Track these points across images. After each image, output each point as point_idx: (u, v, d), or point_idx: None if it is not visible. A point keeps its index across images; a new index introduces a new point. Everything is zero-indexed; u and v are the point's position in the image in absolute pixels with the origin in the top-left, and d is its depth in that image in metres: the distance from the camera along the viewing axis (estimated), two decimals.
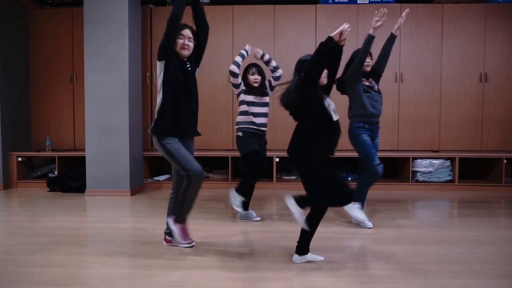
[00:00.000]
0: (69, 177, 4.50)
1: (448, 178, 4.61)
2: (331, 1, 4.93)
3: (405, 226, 3.09)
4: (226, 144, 5.03)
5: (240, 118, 3.26)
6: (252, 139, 3.18)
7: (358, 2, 4.90)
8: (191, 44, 2.51)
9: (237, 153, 4.75)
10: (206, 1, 5.01)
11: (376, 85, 3.20)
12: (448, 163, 4.63)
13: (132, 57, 4.28)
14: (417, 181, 4.62)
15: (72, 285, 1.99)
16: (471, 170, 5.03)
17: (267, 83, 3.36)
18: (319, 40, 4.80)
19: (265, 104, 3.29)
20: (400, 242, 2.70)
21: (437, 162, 4.58)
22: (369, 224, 3.00)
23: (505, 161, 4.54)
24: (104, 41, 4.16)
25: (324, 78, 2.29)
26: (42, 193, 4.39)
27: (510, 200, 4.13)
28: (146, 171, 4.84)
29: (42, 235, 2.80)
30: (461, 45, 4.84)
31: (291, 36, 4.94)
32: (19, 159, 4.73)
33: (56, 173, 4.70)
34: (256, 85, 3.25)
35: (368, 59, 3.14)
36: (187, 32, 2.49)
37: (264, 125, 3.28)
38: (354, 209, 2.98)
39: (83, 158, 4.36)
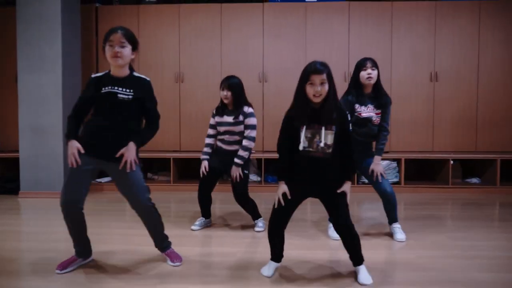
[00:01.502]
0: (7, 179, 4.42)
1: (395, 179, 4.50)
2: (279, 0, 4.83)
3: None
4: (173, 145, 4.94)
5: None
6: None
7: (306, 0, 4.80)
8: (124, 52, 2.07)
9: (181, 155, 4.72)
10: (152, 0, 4.93)
11: (375, 117, 2.67)
12: (394, 164, 4.53)
13: (67, 57, 4.18)
14: (363, 183, 4.51)
15: None
16: (422, 172, 4.93)
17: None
18: (267, 39, 4.83)
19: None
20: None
21: (384, 163, 4.47)
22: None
23: (452, 162, 4.43)
24: (36, 41, 4.08)
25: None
26: None
27: (457, 202, 4.03)
28: None
29: None
30: (411, 43, 4.74)
31: (239, 35, 4.85)
32: None
33: None
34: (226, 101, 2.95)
35: (369, 69, 2.59)
36: (117, 36, 2.06)
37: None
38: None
39: None
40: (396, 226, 2.83)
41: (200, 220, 3.08)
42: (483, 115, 4.71)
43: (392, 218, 2.84)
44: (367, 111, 2.65)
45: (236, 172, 2.88)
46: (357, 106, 2.64)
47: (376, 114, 2.67)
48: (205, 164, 2.98)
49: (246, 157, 2.91)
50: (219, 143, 3.02)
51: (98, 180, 4.77)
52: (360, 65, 2.62)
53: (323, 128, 1.95)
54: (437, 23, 4.70)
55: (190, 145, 4.90)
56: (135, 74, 2.20)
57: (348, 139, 2.03)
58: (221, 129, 2.98)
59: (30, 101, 4.12)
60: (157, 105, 2.26)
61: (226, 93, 2.91)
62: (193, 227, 3.03)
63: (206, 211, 3.08)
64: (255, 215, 3.07)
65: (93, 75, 2.19)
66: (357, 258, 2.08)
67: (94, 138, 2.12)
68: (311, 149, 1.96)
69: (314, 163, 1.98)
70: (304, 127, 1.96)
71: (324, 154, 1.96)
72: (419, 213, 3.56)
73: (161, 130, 4.82)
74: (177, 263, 2.28)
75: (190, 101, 4.89)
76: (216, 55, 4.88)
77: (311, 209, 3.71)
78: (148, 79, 2.22)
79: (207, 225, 3.13)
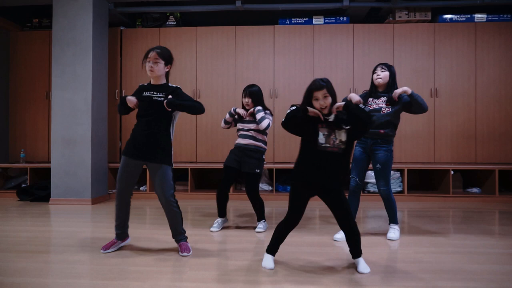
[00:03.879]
0: (38, 187, 4.80)
1: (399, 189, 4.77)
2: (288, 22, 5.24)
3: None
4: (190, 156, 5.30)
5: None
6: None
7: (313, 23, 5.20)
8: (156, 67, 2.59)
9: (198, 165, 5.07)
10: (172, 23, 5.39)
11: (384, 107, 2.97)
12: (398, 174, 4.81)
13: (96, 76, 4.62)
14: (368, 192, 4.79)
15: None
16: (425, 182, 5.19)
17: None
18: (277, 58, 5.23)
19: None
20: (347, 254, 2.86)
21: None
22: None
23: (452, 172, 4.69)
24: (70, 61, 4.53)
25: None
26: (12, 203, 4.69)
27: (457, 210, 4.28)
28: (112, 182, 5.13)
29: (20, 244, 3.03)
30: (412, 62, 5.09)
31: (251, 54, 5.26)
32: None
33: (28, 183, 5.02)
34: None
35: (379, 71, 3.02)
36: (152, 55, 2.60)
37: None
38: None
39: None
40: (393, 227, 3.10)
41: (217, 222, 3.40)
42: (481, 128, 4.99)
43: (391, 218, 3.11)
44: (377, 103, 3.01)
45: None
46: (370, 100, 3.05)
47: (386, 105, 2.97)
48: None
49: (260, 117, 3.22)
50: (237, 141, 3.38)
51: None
52: (373, 70, 3.10)
53: (336, 130, 2.25)
54: (436, 43, 5.05)
55: (206, 156, 5.26)
56: (170, 84, 2.72)
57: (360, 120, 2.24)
58: (240, 130, 3.37)
59: (62, 115, 4.54)
60: (195, 101, 2.67)
61: (247, 100, 3.33)
62: (212, 229, 3.35)
63: (222, 209, 3.40)
64: (260, 215, 3.37)
65: (140, 84, 2.77)
66: (356, 251, 2.36)
67: (135, 141, 2.63)
68: (328, 145, 2.25)
69: (330, 157, 2.26)
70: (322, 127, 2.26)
71: (339, 149, 2.26)
72: (421, 219, 3.82)
73: (179, 142, 5.31)
74: (185, 254, 2.62)
75: (206, 116, 5.25)
76: (230, 73, 5.28)
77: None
78: (178, 86, 2.71)
79: (224, 223, 3.45)
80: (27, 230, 3.33)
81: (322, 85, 2.23)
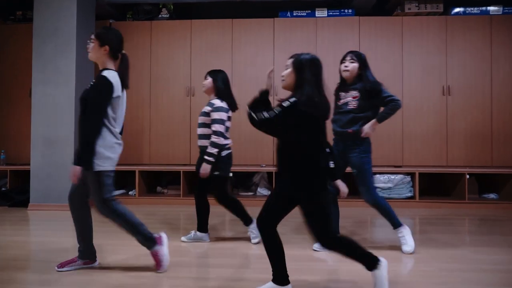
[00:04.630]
0: (18, 191, 4.43)
1: (409, 194, 4.39)
2: (289, 15, 4.89)
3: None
4: (183, 159, 4.93)
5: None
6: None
7: (316, 15, 4.85)
8: (91, 45, 2.23)
9: (192, 168, 4.69)
10: (165, 16, 5.04)
11: (351, 100, 2.66)
12: (408, 178, 4.43)
13: (81, 70, 4.26)
14: None
15: None
16: (436, 186, 4.81)
17: None
18: (277, 54, 4.85)
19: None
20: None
21: (397, 177, 4.38)
22: None
23: (468, 176, 4.32)
24: (52, 55, 4.17)
25: None
26: None
27: (474, 218, 3.90)
28: None
29: None
30: (422, 57, 4.72)
31: (249, 49, 4.90)
32: None
33: (8, 187, 4.65)
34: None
35: (348, 61, 2.67)
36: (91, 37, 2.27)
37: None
38: None
39: None
40: (400, 233, 2.71)
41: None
42: (498, 128, 4.62)
43: (392, 223, 2.72)
44: (345, 97, 2.69)
45: (204, 170, 2.73)
46: (342, 94, 2.72)
47: (353, 98, 2.65)
48: None
49: (215, 153, 2.75)
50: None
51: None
52: (342, 59, 2.72)
53: None
54: (448, 37, 4.69)
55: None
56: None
57: None
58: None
59: (43, 112, 4.18)
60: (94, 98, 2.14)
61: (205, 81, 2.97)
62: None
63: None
64: (244, 217, 2.89)
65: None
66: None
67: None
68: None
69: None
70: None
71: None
72: (436, 228, 3.44)
73: (172, 143, 4.91)
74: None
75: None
76: (227, 69, 4.84)
77: None
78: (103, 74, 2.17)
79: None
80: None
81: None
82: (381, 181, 4.38)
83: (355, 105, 2.64)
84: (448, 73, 4.70)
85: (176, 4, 5.09)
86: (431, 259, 2.55)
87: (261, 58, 4.87)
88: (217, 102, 2.86)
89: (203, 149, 2.85)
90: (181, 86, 4.95)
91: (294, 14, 4.89)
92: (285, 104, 1.82)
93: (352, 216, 3.92)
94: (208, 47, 4.94)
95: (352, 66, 2.65)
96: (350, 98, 2.66)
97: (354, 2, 4.85)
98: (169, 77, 4.96)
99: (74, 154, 2.15)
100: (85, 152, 2.08)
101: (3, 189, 4.74)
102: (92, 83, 2.19)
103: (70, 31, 4.16)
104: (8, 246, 2.85)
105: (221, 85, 2.93)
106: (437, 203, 4.39)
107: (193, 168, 4.73)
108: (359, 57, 2.67)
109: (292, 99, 1.82)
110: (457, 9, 4.73)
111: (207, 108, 2.88)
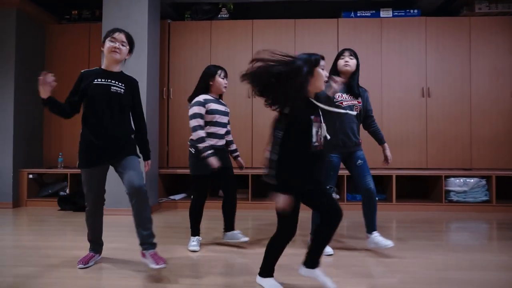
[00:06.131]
0: (82, 195, 4.27)
1: (485, 198, 4.28)
2: (353, 15, 4.79)
3: (439, 249, 2.78)
4: (246, 162, 4.79)
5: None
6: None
7: (381, 15, 4.75)
8: (124, 49, 2.31)
9: (256, 171, 4.56)
10: (225, 15, 4.93)
11: (356, 104, 2.67)
12: (483, 182, 4.32)
13: (150, 73, 4.14)
14: (451, 201, 4.30)
15: None
16: (509, 190, 4.70)
17: None
18: None
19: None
20: (435, 267, 2.39)
21: (472, 181, 4.27)
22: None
23: None
24: None
25: None
26: (52, 212, 4.17)
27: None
28: (162, 190, 4.61)
29: (51, 256, 2.56)
30: (491, 58, 4.63)
31: (313, 50, 4.73)
32: (30, 176, 4.54)
33: (67, 191, 4.50)
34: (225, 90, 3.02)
35: (347, 57, 2.63)
36: (120, 36, 2.32)
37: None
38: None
39: None
40: (377, 235, 2.63)
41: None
42: None
43: (373, 225, 2.64)
44: (347, 100, 2.63)
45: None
46: (344, 95, 2.64)
47: (358, 103, 2.66)
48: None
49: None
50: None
51: (171, 197, 4.62)
52: (340, 55, 2.68)
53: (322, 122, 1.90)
54: None
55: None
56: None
57: None
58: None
59: None
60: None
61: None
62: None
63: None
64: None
65: (83, 70, 2.34)
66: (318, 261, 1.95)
67: (99, 138, 2.21)
68: (317, 144, 1.87)
69: (318, 158, 1.90)
70: (313, 122, 1.85)
71: (323, 146, 1.91)
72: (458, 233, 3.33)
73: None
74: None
75: (262, 115, 4.78)
76: None
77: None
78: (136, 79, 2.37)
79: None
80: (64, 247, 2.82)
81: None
82: (456, 184, 4.27)
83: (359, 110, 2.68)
84: None
85: (236, 4, 4.99)
86: (449, 264, 2.43)
87: (326, 58, 4.75)
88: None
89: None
90: (242, 87, 4.82)
91: (358, 14, 4.79)
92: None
93: (350, 217, 3.80)
94: (270, 47, 4.81)
95: (352, 62, 2.63)
96: (356, 102, 2.65)
97: (420, 2, 4.77)
98: (230, 78, 4.81)
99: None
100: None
101: (62, 193, 4.60)
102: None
103: (141, 33, 4.04)
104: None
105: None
106: None
107: (257, 171, 4.62)
108: (356, 55, 2.68)
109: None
110: None
111: None
